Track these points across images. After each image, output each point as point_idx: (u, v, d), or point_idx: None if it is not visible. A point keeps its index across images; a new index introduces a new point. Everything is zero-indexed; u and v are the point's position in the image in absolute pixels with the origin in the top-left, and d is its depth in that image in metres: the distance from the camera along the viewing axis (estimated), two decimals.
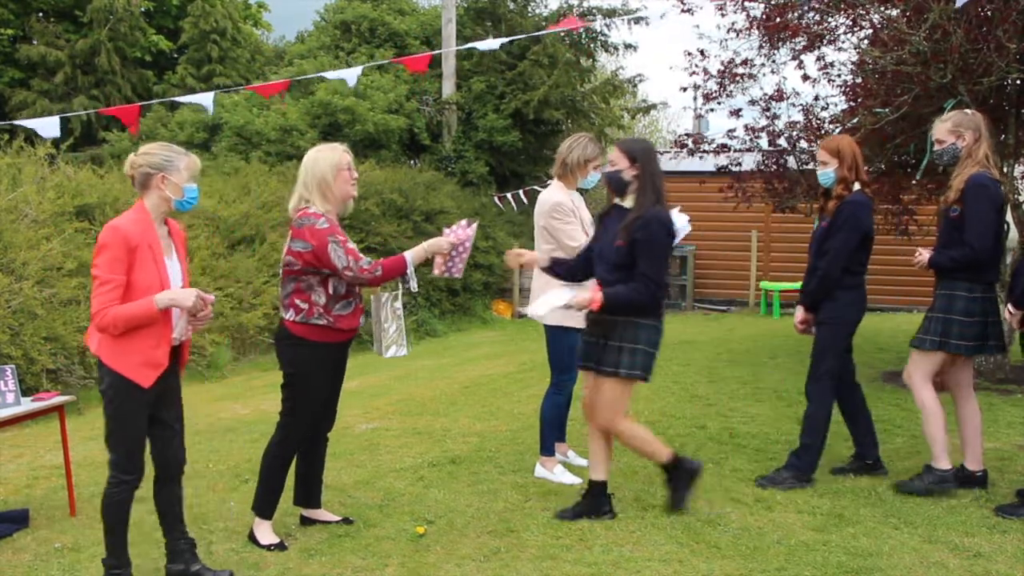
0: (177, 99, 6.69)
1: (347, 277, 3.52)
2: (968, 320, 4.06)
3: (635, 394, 6.88)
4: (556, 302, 3.78)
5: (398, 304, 3.67)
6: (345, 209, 3.73)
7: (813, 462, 4.39)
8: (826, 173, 4.31)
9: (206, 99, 7.66)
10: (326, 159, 3.61)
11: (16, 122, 7.19)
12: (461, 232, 3.72)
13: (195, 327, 3.30)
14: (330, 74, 7.29)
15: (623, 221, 3.77)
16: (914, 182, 7.34)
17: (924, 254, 4.22)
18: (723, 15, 7.76)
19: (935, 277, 4.22)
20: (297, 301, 3.57)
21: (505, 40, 6.73)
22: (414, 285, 3.67)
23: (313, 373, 3.61)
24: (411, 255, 3.62)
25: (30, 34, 16.85)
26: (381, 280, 3.57)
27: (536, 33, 11.89)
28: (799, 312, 4.50)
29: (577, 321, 4.41)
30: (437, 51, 14.64)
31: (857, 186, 4.27)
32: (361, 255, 3.56)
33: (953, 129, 4.13)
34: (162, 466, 3.32)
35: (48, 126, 7.02)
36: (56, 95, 16.19)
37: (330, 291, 3.56)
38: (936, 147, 4.23)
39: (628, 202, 3.84)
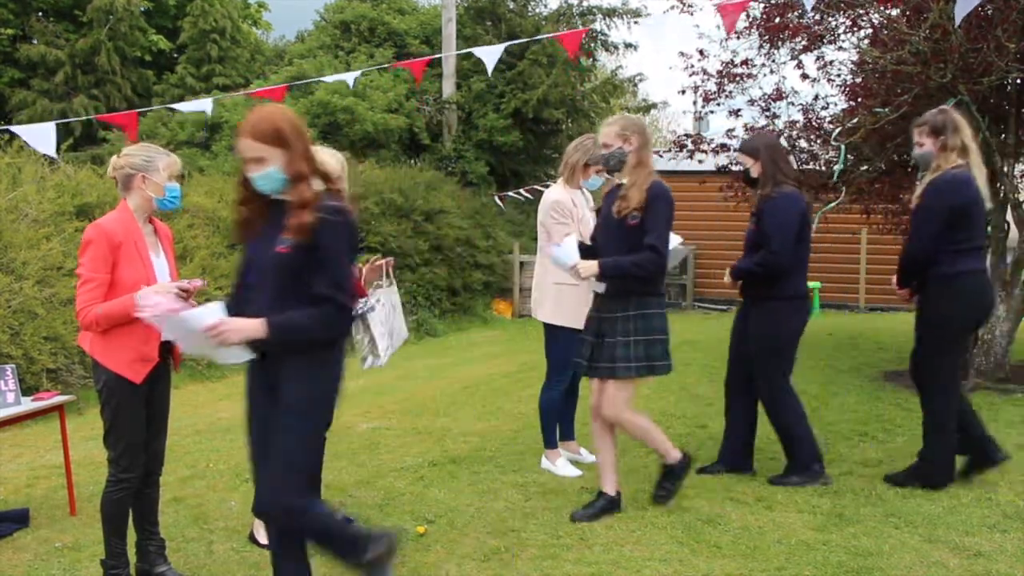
0: (174, 106, 6.73)
1: None
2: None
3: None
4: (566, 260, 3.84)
5: (373, 314, 3.62)
6: None
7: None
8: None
9: (205, 104, 7.86)
10: (329, 167, 3.55)
11: (12, 128, 7.15)
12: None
13: None
14: (329, 78, 7.32)
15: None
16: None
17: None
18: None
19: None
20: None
21: (507, 43, 6.73)
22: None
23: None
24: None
25: (30, 34, 16.84)
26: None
27: (537, 37, 11.91)
28: None
29: (574, 321, 4.41)
30: (437, 55, 14.65)
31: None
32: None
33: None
34: (145, 464, 3.30)
35: (41, 137, 6.84)
36: (56, 95, 16.18)
37: None
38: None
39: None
